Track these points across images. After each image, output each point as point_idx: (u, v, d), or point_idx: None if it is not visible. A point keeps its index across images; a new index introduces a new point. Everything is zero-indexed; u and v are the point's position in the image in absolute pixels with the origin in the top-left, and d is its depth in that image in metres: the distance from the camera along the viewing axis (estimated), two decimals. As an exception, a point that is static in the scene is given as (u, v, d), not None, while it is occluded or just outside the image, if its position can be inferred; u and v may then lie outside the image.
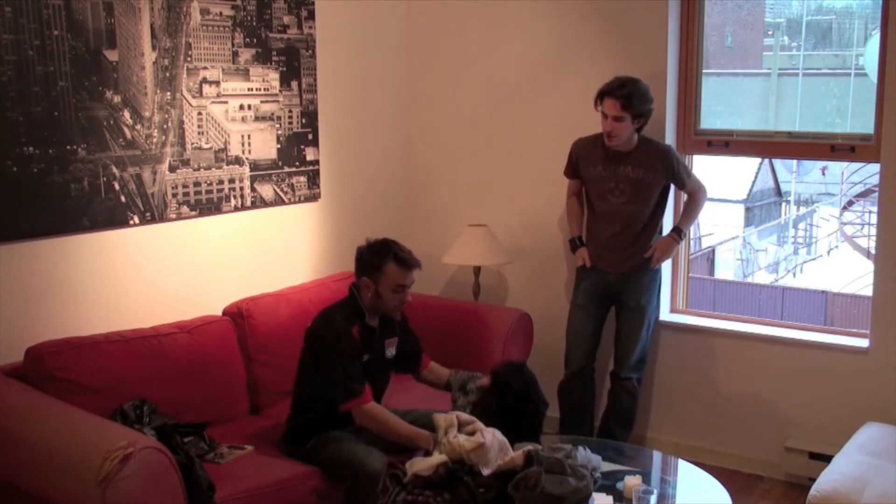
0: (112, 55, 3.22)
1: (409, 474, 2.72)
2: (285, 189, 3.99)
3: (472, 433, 2.75)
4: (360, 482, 2.86)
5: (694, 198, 3.94)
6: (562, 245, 4.30)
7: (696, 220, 4.06)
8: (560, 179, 4.06)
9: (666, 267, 4.17)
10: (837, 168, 12.62)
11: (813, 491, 2.97)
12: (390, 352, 3.25)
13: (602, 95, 3.66)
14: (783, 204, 14.85)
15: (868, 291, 3.83)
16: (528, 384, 3.00)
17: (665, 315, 4.21)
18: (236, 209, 3.78)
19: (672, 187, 3.91)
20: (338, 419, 3.01)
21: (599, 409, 4.18)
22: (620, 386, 3.99)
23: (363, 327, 3.09)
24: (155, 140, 3.40)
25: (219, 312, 3.54)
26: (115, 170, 3.26)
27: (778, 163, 14.01)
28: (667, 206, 3.93)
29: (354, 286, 3.13)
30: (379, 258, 3.04)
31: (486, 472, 2.66)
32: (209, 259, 3.70)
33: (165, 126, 3.44)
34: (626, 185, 3.77)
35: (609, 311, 4.02)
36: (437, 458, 2.72)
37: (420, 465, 2.73)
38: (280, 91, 3.91)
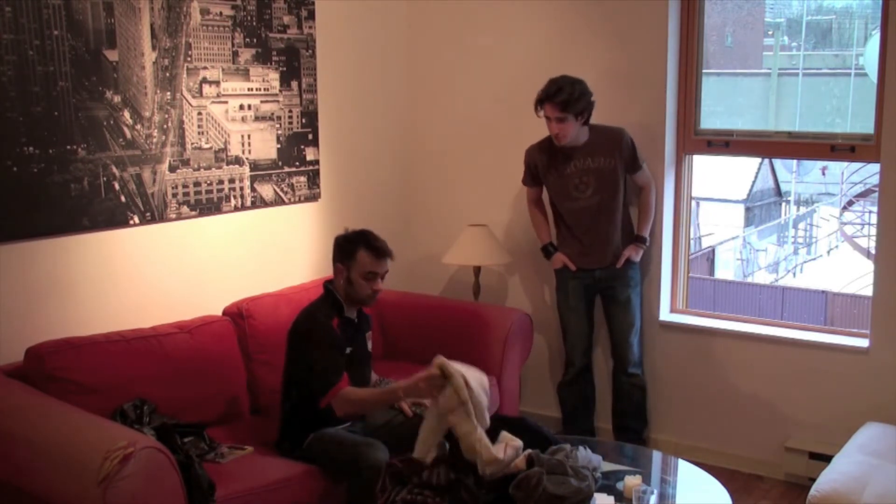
0: (112, 55, 3.22)
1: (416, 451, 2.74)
2: (285, 189, 3.99)
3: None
4: (363, 474, 2.84)
5: (645, 196, 3.96)
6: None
7: (652, 220, 4.01)
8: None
9: (666, 267, 4.17)
10: (837, 168, 12.61)
11: (813, 491, 2.97)
12: (370, 344, 3.31)
13: (541, 102, 3.75)
14: (783, 204, 14.84)
15: (868, 291, 3.83)
16: (541, 435, 3.00)
17: (665, 315, 4.21)
18: (236, 209, 3.78)
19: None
20: (331, 416, 3.02)
21: (598, 405, 4.18)
22: (629, 383, 4.03)
23: (343, 320, 3.14)
24: (155, 140, 3.40)
25: (219, 312, 3.54)
26: (115, 170, 3.26)
27: (778, 163, 14.00)
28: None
29: (329, 283, 3.19)
30: (352, 245, 3.12)
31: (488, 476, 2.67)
32: (209, 259, 3.70)
33: (165, 126, 3.44)
34: (590, 177, 3.82)
35: (595, 304, 4.06)
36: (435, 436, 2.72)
37: (422, 448, 2.74)
38: (280, 91, 3.91)
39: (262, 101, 3.83)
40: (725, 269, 13.33)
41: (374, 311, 3.35)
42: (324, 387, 2.97)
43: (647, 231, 3.98)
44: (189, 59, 3.50)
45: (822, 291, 10.60)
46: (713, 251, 13.05)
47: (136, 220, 3.37)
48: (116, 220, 3.30)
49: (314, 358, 3.01)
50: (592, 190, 3.83)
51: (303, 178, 4.07)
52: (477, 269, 4.39)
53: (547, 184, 3.98)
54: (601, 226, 3.88)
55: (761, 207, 14.60)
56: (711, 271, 12.79)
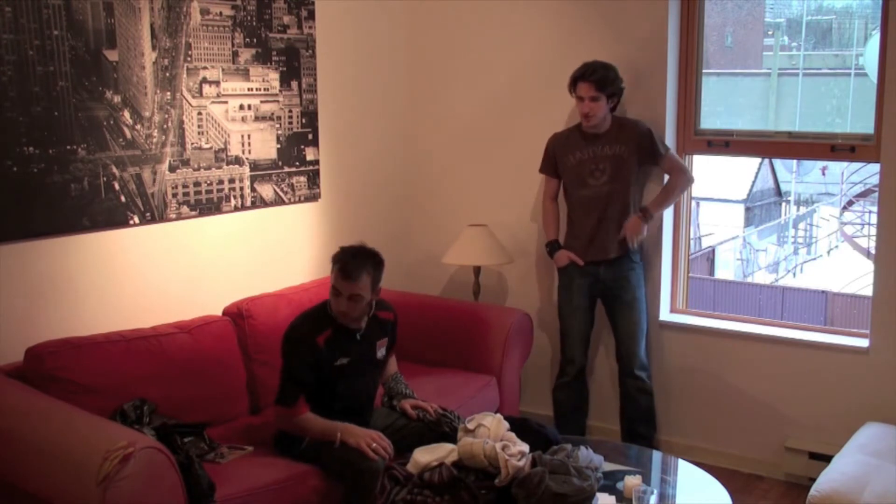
0: (112, 55, 3.22)
1: (412, 460, 2.76)
2: (285, 189, 3.99)
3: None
4: (360, 479, 2.85)
5: (671, 179, 3.94)
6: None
7: (670, 205, 4.01)
8: (560, 179, 4.06)
9: (666, 267, 4.17)
10: (837, 168, 12.62)
11: (813, 491, 2.97)
12: (381, 352, 3.24)
13: (575, 80, 3.80)
14: (783, 204, 14.85)
15: (868, 291, 3.83)
16: (543, 436, 3.01)
17: (665, 315, 4.21)
18: (236, 209, 3.78)
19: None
20: (329, 417, 3.02)
21: (596, 405, 4.18)
22: (635, 387, 3.99)
23: (337, 331, 3.07)
24: (155, 140, 3.40)
25: (219, 312, 3.54)
26: (115, 170, 3.26)
27: (778, 163, 14.01)
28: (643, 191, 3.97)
29: None
30: (333, 261, 3.06)
31: (497, 481, 2.68)
32: (209, 259, 3.70)
33: (165, 126, 3.44)
34: (606, 164, 3.85)
35: (596, 306, 4.06)
36: (446, 447, 2.75)
37: (426, 456, 2.76)
38: (280, 91, 3.91)
39: (262, 101, 3.83)
40: (725, 269, 13.34)
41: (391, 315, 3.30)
42: (278, 400, 3.04)
43: (658, 210, 3.93)
44: (189, 59, 3.50)
45: (822, 291, 10.61)
46: (713, 251, 13.06)
47: (136, 220, 3.37)
48: (116, 220, 3.30)
49: (282, 370, 3.06)
50: (607, 177, 3.86)
51: (303, 178, 4.07)
52: (477, 269, 4.39)
53: (563, 169, 3.97)
54: (609, 214, 3.88)
55: (761, 207, 14.60)
56: (711, 271, 12.80)
